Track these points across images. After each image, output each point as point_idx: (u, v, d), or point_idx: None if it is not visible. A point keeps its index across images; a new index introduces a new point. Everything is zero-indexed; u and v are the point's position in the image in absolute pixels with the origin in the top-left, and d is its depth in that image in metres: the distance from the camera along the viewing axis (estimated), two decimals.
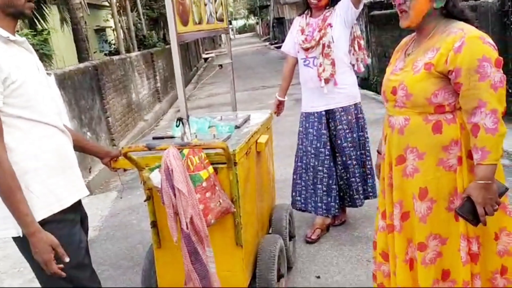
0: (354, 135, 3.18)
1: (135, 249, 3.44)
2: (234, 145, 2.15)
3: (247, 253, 2.27)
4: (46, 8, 8.33)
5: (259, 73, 14.00)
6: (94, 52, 10.31)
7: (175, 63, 2.04)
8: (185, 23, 2.15)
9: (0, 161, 1.48)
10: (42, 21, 8.02)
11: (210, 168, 2.05)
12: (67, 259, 1.58)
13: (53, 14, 8.91)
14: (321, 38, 3.02)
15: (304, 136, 3.23)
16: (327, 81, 3.03)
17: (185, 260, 1.93)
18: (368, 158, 3.30)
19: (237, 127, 2.52)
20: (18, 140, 1.57)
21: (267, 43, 34.70)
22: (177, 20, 2.02)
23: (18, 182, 1.52)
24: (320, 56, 3.04)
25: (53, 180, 1.64)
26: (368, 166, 3.31)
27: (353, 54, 3.15)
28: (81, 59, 8.04)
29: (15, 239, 1.65)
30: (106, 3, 11.61)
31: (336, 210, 3.22)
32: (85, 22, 8.77)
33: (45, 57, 5.95)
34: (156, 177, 2.00)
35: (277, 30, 33.70)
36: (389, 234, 1.93)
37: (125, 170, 2.29)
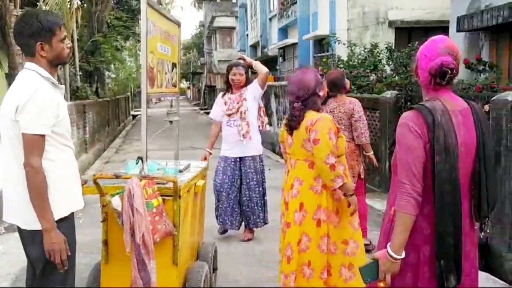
0: (258, 176, 4.41)
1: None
2: (180, 183, 2.74)
3: (180, 272, 2.78)
4: None
5: (189, 136, 14.63)
6: None
7: (142, 114, 2.66)
8: (152, 85, 2.79)
9: (39, 171, 2.00)
10: None
11: (160, 198, 2.61)
12: (68, 253, 2.08)
13: None
14: (239, 107, 4.37)
15: (222, 172, 4.43)
16: (244, 136, 4.31)
17: (133, 268, 2.41)
18: (264, 192, 4.52)
19: (180, 171, 3.12)
20: (56, 154, 2.12)
21: (196, 108, 35.88)
22: (147, 82, 2.66)
23: (47, 187, 2.01)
24: (239, 119, 4.36)
25: (74, 186, 2.20)
26: (265, 198, 4.56)
27: (259, 119, 4.51)
28: None
29: (26, 232, 2.09)
30: None
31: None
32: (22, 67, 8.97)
33: None
34: (116, 201, 2.52)
35: (208, 97, 35.14)
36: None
37: None
